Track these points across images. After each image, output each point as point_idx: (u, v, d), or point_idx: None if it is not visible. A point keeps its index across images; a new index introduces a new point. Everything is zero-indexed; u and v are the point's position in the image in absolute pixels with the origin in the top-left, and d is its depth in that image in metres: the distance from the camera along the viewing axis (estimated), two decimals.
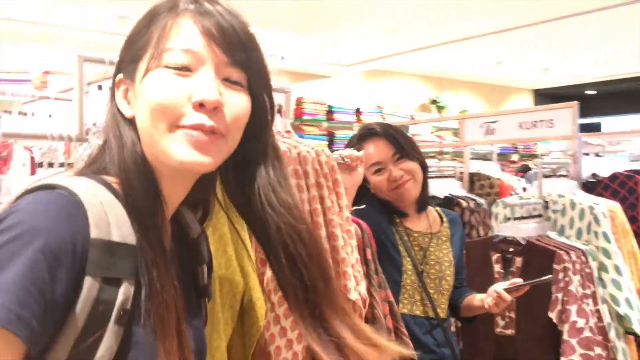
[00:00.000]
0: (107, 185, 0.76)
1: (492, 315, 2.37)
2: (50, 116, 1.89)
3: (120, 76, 0.83)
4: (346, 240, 1.30)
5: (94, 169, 0.81)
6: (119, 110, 0.82)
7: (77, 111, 1.55)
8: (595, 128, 12.14)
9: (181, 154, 0.75)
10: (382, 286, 1.53)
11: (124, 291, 0.70)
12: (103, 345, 0.68)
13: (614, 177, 2.70)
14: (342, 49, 7.16)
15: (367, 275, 1.44)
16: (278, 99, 1.50)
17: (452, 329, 2.42)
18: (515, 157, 9.28)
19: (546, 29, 6.52)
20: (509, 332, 2.38)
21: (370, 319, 1.42)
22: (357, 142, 1.98)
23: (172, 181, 0.81)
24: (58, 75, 5.39)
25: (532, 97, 11.23)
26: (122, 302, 0.70)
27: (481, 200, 2.87)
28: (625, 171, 2.75)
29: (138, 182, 0.76)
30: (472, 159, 3.39)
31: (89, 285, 0.67)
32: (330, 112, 7.09)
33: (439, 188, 2.96)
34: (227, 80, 0.79)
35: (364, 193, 1.93)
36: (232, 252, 1.28)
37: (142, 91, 0.77)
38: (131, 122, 0.80)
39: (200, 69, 0.76)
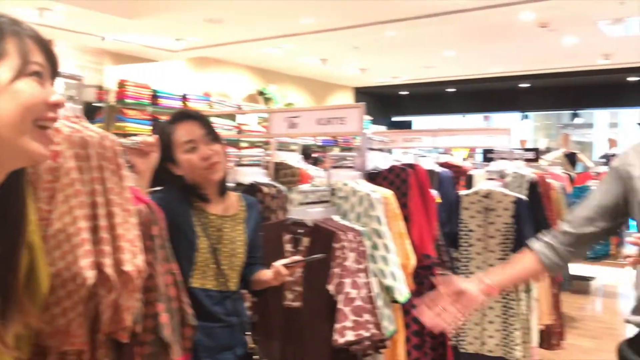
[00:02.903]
0: None
1: (281, 289, 2.66)
2: None
3: None
4: (125, 218, 1.44)
5: None
6: None
7: None
8: (406, 125, 13.43)
9: (39, 149, 0.99)
10: (167, 260, 1.70)
11: None
12: None
13: (392, 169, 3.12)
14: (168, 35, 7.12)
15: (152, 250, 1.60)
16: (70, 86, 1.60)
17: (248, 304, 2.67)
18: (336, 150, 9.95)
19: (366, 31, 7.09)
20: (297, 304, 2.69)
21: (151, 288, 1.58)
22: (171, 123, 2.12)
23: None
24: None
25: (353, 95, 12.02)
26: None
27: (282, 187, 3.16)
28: (401, 164, 3.21)
29: None
30: (285, 150, 3.69)
31: None
32: (155, 96, 7.00)
33: (246, 175, 3.20)
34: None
35: (166, 178, 2.11)
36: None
37: (15, 91, 0.96)
38: None
39: (47, 79, 1.03)
